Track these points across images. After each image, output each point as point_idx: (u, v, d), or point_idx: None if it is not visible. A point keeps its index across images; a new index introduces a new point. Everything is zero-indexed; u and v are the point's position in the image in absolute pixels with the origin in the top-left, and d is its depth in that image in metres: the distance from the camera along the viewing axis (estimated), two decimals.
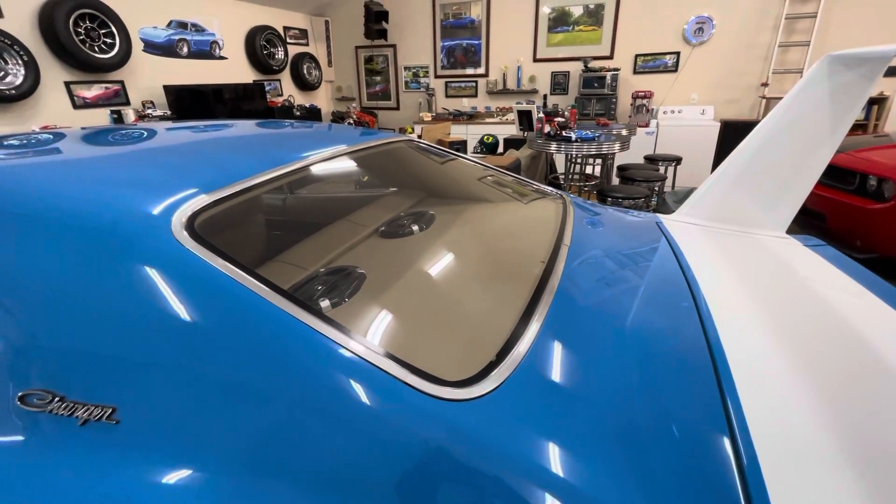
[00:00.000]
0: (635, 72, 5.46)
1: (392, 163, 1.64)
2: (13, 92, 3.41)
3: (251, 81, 5.59)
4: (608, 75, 5.27)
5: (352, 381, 0.60)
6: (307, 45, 6.55)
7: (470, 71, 6.26)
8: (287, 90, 6.25)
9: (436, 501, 0.56)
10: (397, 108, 6.88)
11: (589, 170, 4.53)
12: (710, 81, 5.21)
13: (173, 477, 0.58)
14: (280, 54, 5.93)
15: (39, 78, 3.57)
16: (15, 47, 3.40)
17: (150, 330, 0.64)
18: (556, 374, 0.71)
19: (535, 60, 5.86)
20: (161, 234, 0.71)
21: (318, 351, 0.62)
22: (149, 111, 4.32)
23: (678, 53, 5.24)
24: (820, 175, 1.43)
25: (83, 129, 1.39)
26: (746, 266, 1.25)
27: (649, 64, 5.39)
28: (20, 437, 0.65)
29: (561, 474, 0.56)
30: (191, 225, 0.74)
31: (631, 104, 5.30)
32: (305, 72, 6.34)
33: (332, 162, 1.21)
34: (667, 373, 0.76)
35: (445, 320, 0.92)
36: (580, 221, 1.35)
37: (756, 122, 1.49)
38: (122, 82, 4.23)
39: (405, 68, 6.58)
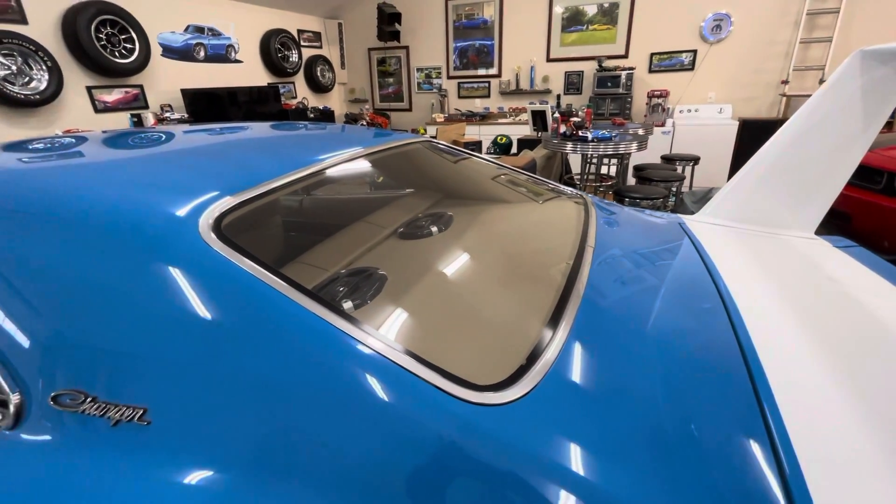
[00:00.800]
0: (650, 70, 5.39)
1: (411, 163, 1.63)
2: (37, 97, 3.50)
3: (266, 84, 5.65)
4: (623, 74, 5.21)
5: (383, 385, 0.59)
6: (321, 47, 6.60)
7: (482, 71, 6.24)
8: (301, 92, 6.31)
9: None
10: (410, 110, 6.90)
11: (604, 170, 4.49)
12: (727, 79, 5.12)
13: (205, 479, 0.58)
14: (294, 57, 5.99)
15: (62, 83, 3.65)
16: (39, 53, 3.49)
17: (178, 331, 0.64)
18: (587, 379, 0.69)
19: (549, 60, 5.82)
20: (188, 235, 0.71)
21: (348, 353, 0.62)
22: (167, 114, 4.39)
23: (695, 51, 5.16)
24: (851, 174, 1.38)
25: (104, 132, 1.41)
26: (776, 267, 1.21)
27: (665, 62, 5.32)
28: (53, 437, 0.65)
29: (597, 483, 0.54)
30: (217, 226, 0.74)
31: (646, 103, 5.23)
32: (319, 74, 6.40)
33: (353, 163, 1.21)
34: (699, 379, 0.74)
35: (469, 323, 0.90)
36: (602, 222, 1.33)
37: (776, 121, 1.46)
38: (141, 86, 4.31)
39: (418, 69, 6.59)
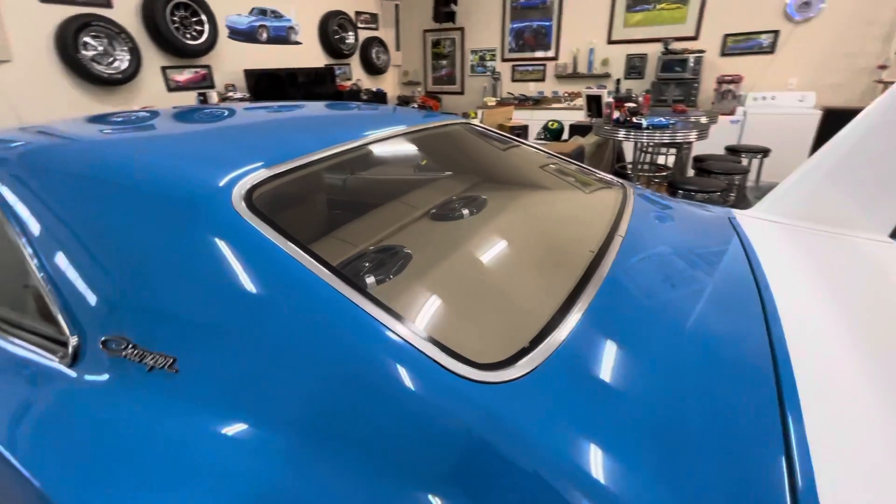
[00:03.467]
0: (723, 54, 4.97)
1: (448, 145, 1.63)
2: (119, 76, 3.82)
3: (323, 66, 5.81)
4: (691, 58, 4.85)
5: (382, 355, 0.61)
6: (377, 29, 6.67)
7: (539, 54, 6.05)
8: (356, 74, 6.43)
9: (455, 480, 0.56)
10: (462, 93, 6.84)
11: (661, 160, 4.24)
12: (812, 64, 4.61)
13: (224, 429, 0.64)
14: (350, 39, 6.10)
15: (141, 63, 3.96)
16: (122, 35, 3.80)
17: (206, 291, 0.70)
18: (593, 365, 0.68)
19: (610, 42, 5.53)
20: (222, 204, 0.76)
21: (357, 324, 0.64)
22: (230, 94, 4.65)
23: (776, 32, 4.68)
24: None
25: (174, 108, 1.54)
26: (837, 272, 1.10)
27: (740, 45, 4.88)
28: (103, 377, 0.74)
29: (588, 469, 0.54)
30: (249, 197, 0.79)
31: (715, 90, 4.84)
32: (374, 56, 6.48)
33: (387, 142, 1.23)
34: (717, 378, 0.70)
35: (484, 304, 0.91)
36: (641, 212, 1.27)
37: None
38: (209, 67, 4.59)
39: (472, 52, 6.50)
